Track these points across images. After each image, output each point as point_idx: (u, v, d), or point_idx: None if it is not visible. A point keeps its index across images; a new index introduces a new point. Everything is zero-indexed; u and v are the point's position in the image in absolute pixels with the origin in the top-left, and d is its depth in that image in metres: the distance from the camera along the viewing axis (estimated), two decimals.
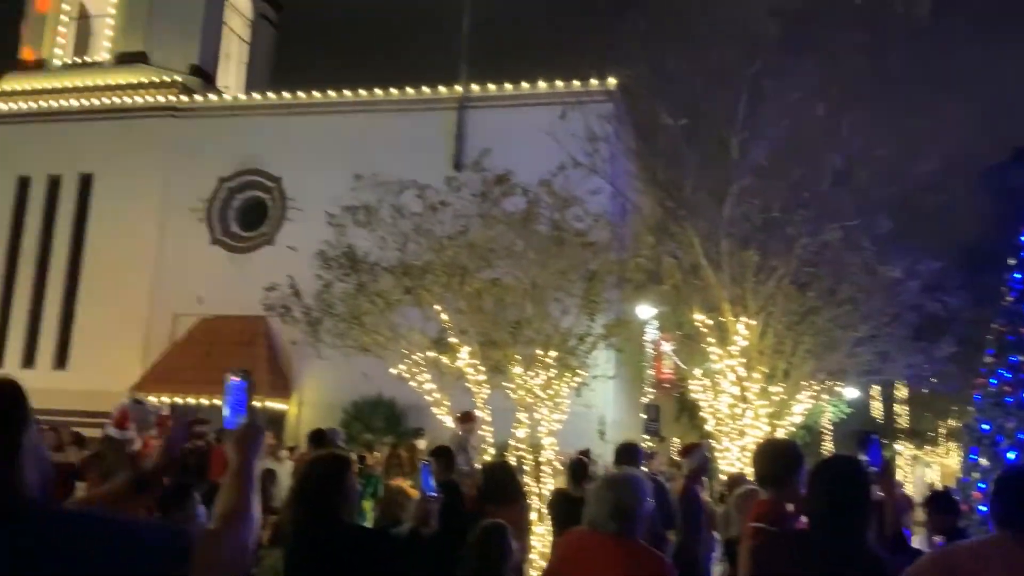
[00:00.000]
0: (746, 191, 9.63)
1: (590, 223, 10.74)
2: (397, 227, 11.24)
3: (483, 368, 10.94)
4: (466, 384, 11.09)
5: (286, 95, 22.06)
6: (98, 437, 9.99)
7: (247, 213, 22.07)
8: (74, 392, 19.40)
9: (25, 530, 1.64)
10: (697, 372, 10.83)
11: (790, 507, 3.85)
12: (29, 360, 22.31)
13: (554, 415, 10.95)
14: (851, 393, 19.50)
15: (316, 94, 21.75)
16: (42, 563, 1.63)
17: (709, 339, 9.98)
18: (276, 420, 19.26)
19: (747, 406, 9.98)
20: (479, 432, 10.86)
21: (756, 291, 9.74)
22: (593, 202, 11.25)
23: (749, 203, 9.66)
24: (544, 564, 7.53)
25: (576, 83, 18.51)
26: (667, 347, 14.29)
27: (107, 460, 6.71)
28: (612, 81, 16.97)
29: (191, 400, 19.34)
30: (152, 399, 17.65)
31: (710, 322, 9.95)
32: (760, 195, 9.67)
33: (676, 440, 20.13)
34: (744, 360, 9.84)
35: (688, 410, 19.91)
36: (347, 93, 21.55)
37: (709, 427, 10.49)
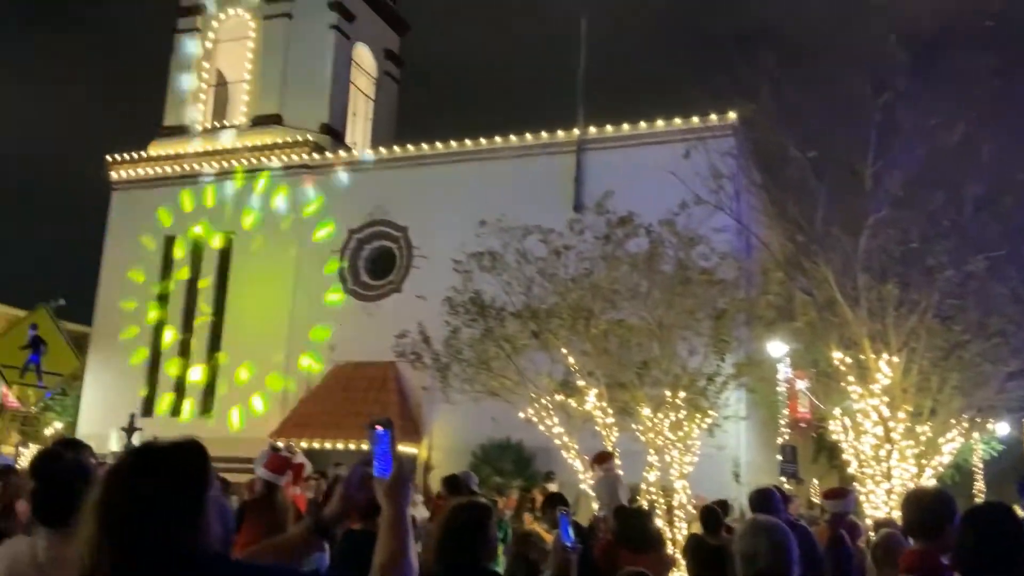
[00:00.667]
0: (882, 222, 9.28)
1: (716, 261, 10.59)
2: (522, 271, 11.40)
3: (611, 410, 10.86)
4: (595, 427, 11.04)
5: (409, 147, 22.77)
6: (242, 482, 10.42)
7: (376, 262, 22.76)
8: (218, 439, 20.33)
9: None
10: (836, 411, 10.43)
11: (944, 559, 3.63)
12: (177, 409, 23.52)
13: (685, 457, 10.75)
14: (1003, 430, 18.51)
15: (438, 144, 22.35)
16: None
17: (848, 377, 9.60)
18: (408, 464, 19.58)
19: (892, 446, 9.52)
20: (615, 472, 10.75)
21: (897, 326, 9.33)
22: (718, 239, 11.09)
23: (885, 235, 9.29)
24: None
25: (695, 119, 18.34)
26: (802, 385, 13.82)
27: (273, 506, 6.92)
28: (733, 115, 16.76)
29: (327, 445, 19.92)
30: (286, 443, 18.24)
31: (848, 359, 9.58)
32: (897, 226, 9.31)
33: (815, 482, 19.32)
34: (887, 399, 9.41)
35: (827, 450, 19.11)
36: (467, 142, 22.05)
37: (852, 469, 10.05)
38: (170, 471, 1.76)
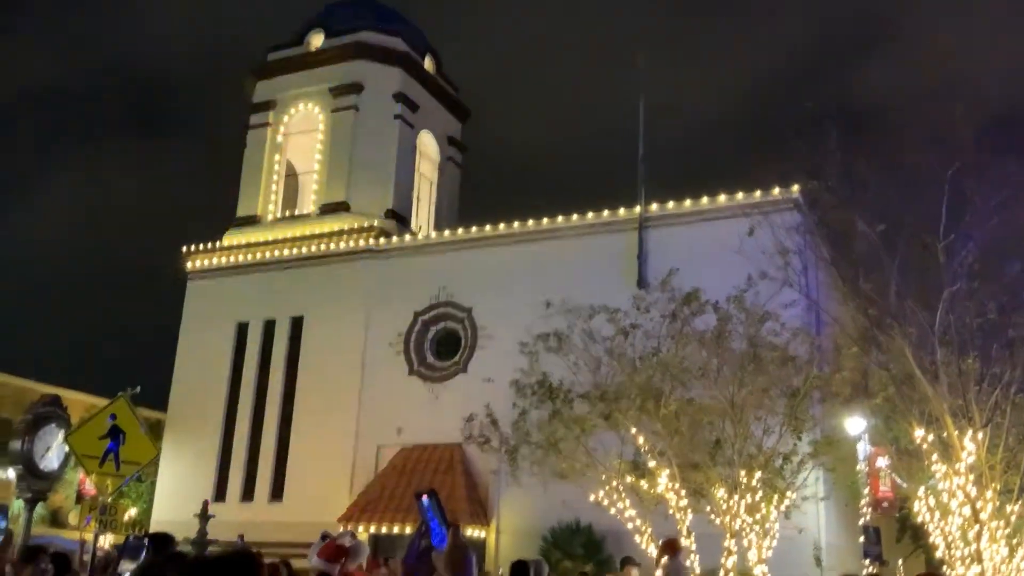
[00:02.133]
0: (958, 295, 9.06)
1: (787, 337, 10.41)
2: (589, 351, 11.36)
3: (684, 492, 10.62)
4: (667, 510, 10.79)
5: (473, 229, 23.12)
6: (306, 567, 10.38)
7: (441, 344, 22.92)
8: (288, 524, 20.38)
9: None
10: (920, 491, 10.03)
11: None
12: (249, 494, 23.70)
13: (764, 541, 10.41)
14: None
15: (501, 225, 22.65)
16: None
17: (931, 455, 9.26)
18: (475, 548, 19.30)
19: (981, 527, 9.09)
20: (683, 563, 10.44)
21: (980, 401, 9.01)
22: (788, 315, 10.94)
23: (963, 307, 9.06)
24: None
25: (758, 194, 18.29)
26: (883, 463, 13.33)
27: None
28: (796, 189, 16.68)
29: (395, 529, 19.80)
30: (347, 528, 18.17)
31: (931, 436, 9.25)
32: (974, 298, 9.07)
33: (900, 564, 18.44)
34: (973, 476, 9.03)
35: (911, 531, 18.30)
36: (530, 222, 22.30)
37: (940, 552, 9.60)
38: None
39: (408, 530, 19.76)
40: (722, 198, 19.93)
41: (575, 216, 21.78)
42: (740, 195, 19.36)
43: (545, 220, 22.09)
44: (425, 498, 2.16)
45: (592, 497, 11.35)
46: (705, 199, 20.34)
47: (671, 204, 20.82)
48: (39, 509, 22.09)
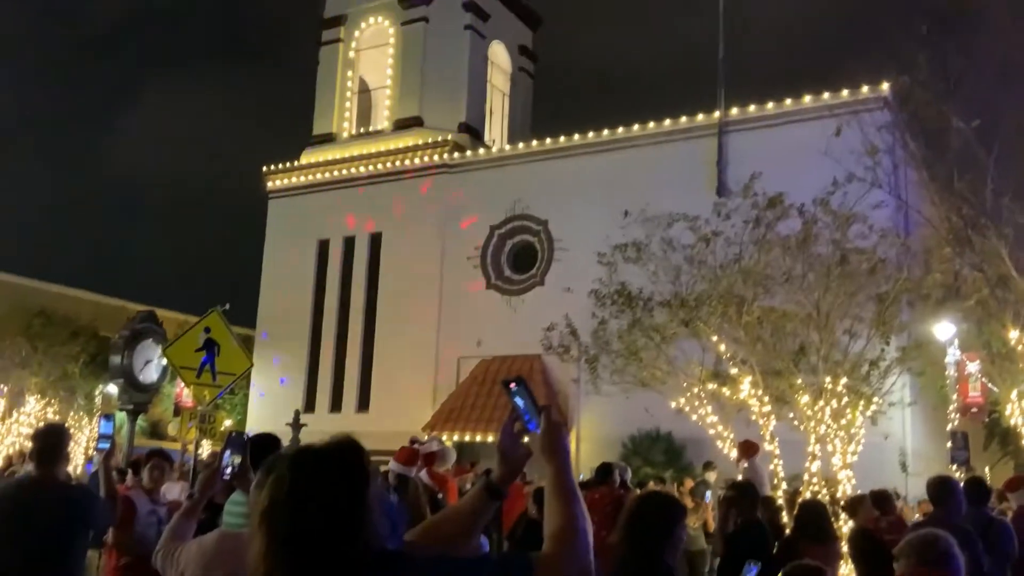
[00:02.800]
0: None
1: (876, 240, 10.08)
2: (668, 260, 11.22)
3: (766, 399, 10.55)
4: (750, 416, 10.75)
5: (547, 141, 22.86)
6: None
7: (518, 257, 23.00)
8: (375, 433, 21.08)
9: None
10: (1012, 395, 9.76)
11: None
12: (336, 405, 24.56)
13: (848, 447, 10.31)
14: None
15: (575, 136, 22.34)
16: None
17: None
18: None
19: None
20: (759, 464, 10.53)
21: None
22: (876, 217, 10.57)
23: None
24: None
25: (845, 94, 17.57)
26: (973, 368, 13.00)
27: (405, 498, 7.15)
28: (886, 87, 15.94)
29: (478, 438, 20.31)
30: (435, 435, 18.66)
31: None
32: None
33: (987, 470, 18.15)
34: None
35: (999, 437, 17.94)
36: (605, 132, 21.94)
37: None
38: (329, 473, 1.75)
39: (490, 439, 20.27)
40: (807, 99, 19.20)
41: (652, 124, 21.31)
42: (826, 95, 18.61)
43: (621, 129, 21.69)
44: (513, 386, 2.21)
45: (673, 404, 11.35)
46: (788, 101, 19.64)
47: (752, 107, 20.18)
48: (140, 421, 23.28)
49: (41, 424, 11.73)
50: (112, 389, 20.04)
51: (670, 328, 10.89)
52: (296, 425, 17.04)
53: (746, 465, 10.51)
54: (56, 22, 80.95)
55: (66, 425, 11.39)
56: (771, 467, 10.22)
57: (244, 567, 3.11)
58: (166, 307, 27.88)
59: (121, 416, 18.64)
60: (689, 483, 12.84)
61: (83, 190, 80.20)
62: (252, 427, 24.42)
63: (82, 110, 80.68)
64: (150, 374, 13.19)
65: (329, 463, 1.77)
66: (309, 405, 24.11)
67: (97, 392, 22.81)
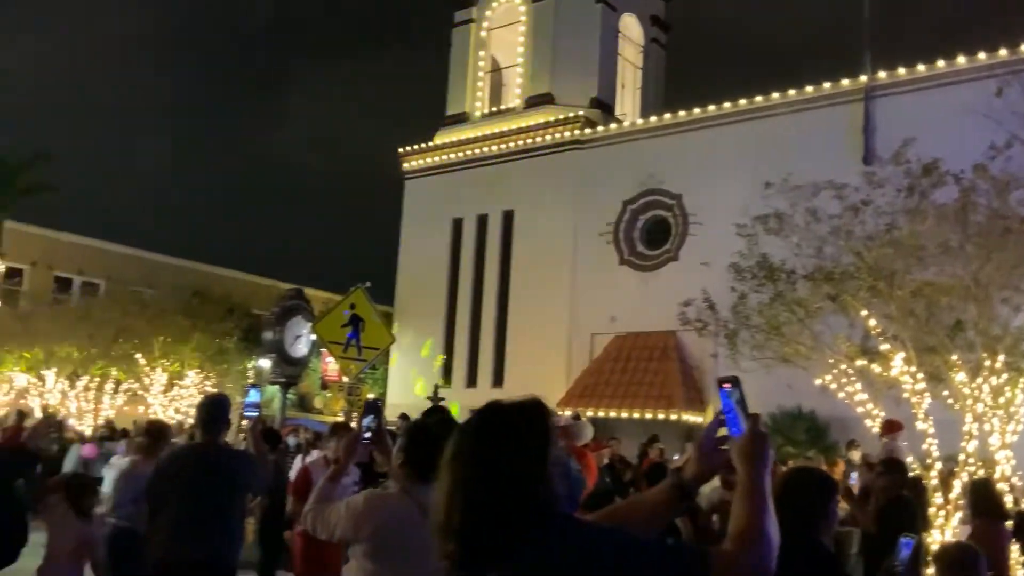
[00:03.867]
0: None
1: None
2: (812, 232, 10.79)
3: (920, 376, 10.05)
4: (901, 394, 10.27)
5: (681, 113, 22.42)
6: None
7: (651, 232, 22.73)
8: None
9: (551, 541, 1.72)
10: None
11: None
12: (472, 380, 25.05)
13: (1007, 426, 9.71)
14: None
15: (711, 107, 21.81)
16: (563, 573, 1.69)
17: None
18: (693, 434, 19.42)
19: None
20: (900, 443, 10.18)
21: None
22: None
23: None
24: None
25: (1003, 52, 16.43)
26: None
27: None
28: None
29: (612, 414, 20.29)
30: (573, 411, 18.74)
31: None
32: None
33: None
34: None
35: None
36: (742, 101, 21.31)
37: None
38: (514, 428, 1.80)
39: (624, 415, 20.22)
40: (961, 59, 18.06)
41: (792, 91, 20.55)
42: (982, 55, 17.46)
43: (760, 98, 21.02)
44: (728, 386, 2.24)
45: (817, 381, 10.96)
46: (941, 62, 18.52)
47: (901, 70, 19.14)
48: (289, 394, 24.47)
49: (202, 396, 12.52)
50: (264, 363, 21.15)
51: (814, 302, 10.48)
52: (435, 399, 17.48)
53: (888, 443, 10.24)
54: (217, 16, 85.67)
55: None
56: (924, 447, 9.76)
57: (390, 523, 3.25)
58: (311, 286, 29.15)
59: (272, 389, 19.68)
60: (841, 464, 12.42)
61: (237, 176, 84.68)
62: (392, 401, 25.23)
63: (239, 99, 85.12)
64: (300, 348, 13.80)
65: (515, 418, 1.82)
66: (446, 380, 24.68)
67: (250, 366, 24.09)
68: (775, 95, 20.76)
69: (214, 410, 5.19)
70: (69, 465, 14.34)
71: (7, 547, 4.92)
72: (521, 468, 1.76)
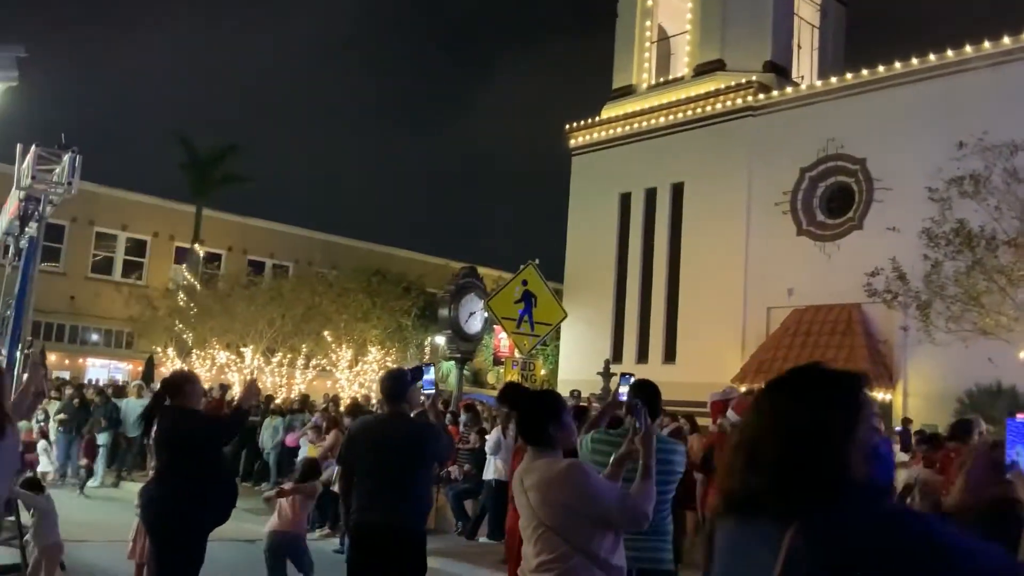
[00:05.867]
0: None
1: None
2: (1014, 194, 9.96)
3: None
4: None
5: (863, 72, 21.15)
6: (707, 425, 10.66)
7: (832, 200, 21.66)
8: (681, 384, 21.04)
9: (844, 511, 1.55)
10: None
11: None
12: (643, 356, 24.83)
13: None
14: None
15: (896, 64, 20.45)
16: (853, 559, 1.49)
17: None
18: (882, 411, 18.45)
19: None
20: None
21: None
22: None
23: None
24: None
25: None
26: None
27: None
28: None
29: None
30: (748, 387, 18.23)
31: None
32: None
33: None
34: None
35: None
36: (931, 57, 19.85)
37: None
38: (825, 392, 1.67)
39: None
40: None
41: (987, 43, 18.93)
42: None
43: (950, 52, 19.50)
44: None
45: (1022, 355, 10.14)
46: None
47: None
48: (464, 369, 25.22)
49: (383, 370, 13.10)
50: (440, 339, 21.88)
51: (1018, 269, 9.68)
52: (607, 374, 17.47)
53: None
54: (419, 11, 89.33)
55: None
56: None
57: (580, 500, 3.25)
58: (483, 264, 29.83)
59: (448, 365, 20.30)
60: None
61: (428, 161, 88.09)
62: (563, 376, 25.44)
63: (434, 88, 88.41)
64: (474, 325, 14.16)
65: (829, 383, 1.71)
66: (616, 356, 24.58)
67: (427, 343, 24.97)
68: (968, 49, 19.19)
69: (396, 384, 5.39)
70: (266, 437, 15.42)
71: (221, 508, 5.34)
72: (823, 434, 1.62)
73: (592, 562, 3.32)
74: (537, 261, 11.62)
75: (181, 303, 24.56)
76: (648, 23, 26.65)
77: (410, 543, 5.08)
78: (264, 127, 74.81)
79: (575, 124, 27.26)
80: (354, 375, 22.40)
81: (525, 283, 10.81)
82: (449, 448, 5.70)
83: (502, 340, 25.58)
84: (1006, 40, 18.67)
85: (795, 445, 1.63)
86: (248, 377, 22.19)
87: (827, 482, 1.59)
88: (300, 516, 7.16)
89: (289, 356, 23.35)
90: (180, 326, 23.85)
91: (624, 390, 3.80)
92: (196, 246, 30.83)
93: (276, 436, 15.18)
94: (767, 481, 1.63)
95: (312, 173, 79.66)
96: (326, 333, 22.30)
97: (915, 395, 18.89)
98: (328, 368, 23.23)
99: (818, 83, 22.57)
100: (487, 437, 12.56)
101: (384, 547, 5.01)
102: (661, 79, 26.23)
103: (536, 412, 3.60)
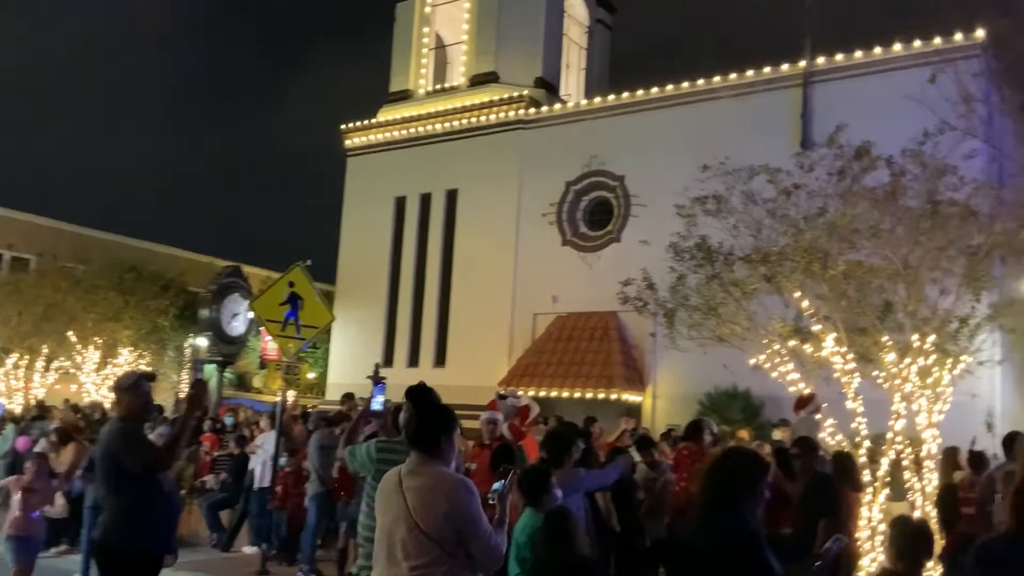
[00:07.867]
0: None
1: (969, 191, 9.67)
2: (749, 214, 10.96)
3: (849, 356, 10.31)
4: (832, 374, 10.54)
5: (624, 95, 22.52)
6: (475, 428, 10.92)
7: (593, 213, 22.85)
8: (451, 387, 21.35)
9: None
10: None
11: None
12: (414, 360, 24.96)
13: (935, 405, 10.04)
14: None
15: (654, 89, 21.95)
16: None
17: None
18: (632, 413, 19.68)
19: None
20: (817, 416, 10.49)
21: None
22: (969, 168, 10.15)
23: None
24: None
25: (937, 41, 16.82)
26: None
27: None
28: (981, 34, 15.22)
29: (553, 394, 20.43)
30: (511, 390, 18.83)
31: None
32: None
33: None
34: None
35: None
36: (684, 84, 21.49)
37: None
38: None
39: (565, 394, 20.37)
40: (897, 47, 18.43)
41: (734, 75, 20.77)
42: (918, 43, 17.84)
43: (701, 81, 21.21)
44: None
45: (752, 361, 11.17)
46: (878, 49, 18.89)
47: (839, 56, 19.48)
48: (227, 372, 24.16)
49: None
50: (201, 341, 20.83)
51: (750, 283, 10.66)
52: (377, 379, 17.38)
53: (802, 418, 10.58)
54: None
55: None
56: (853, 425, 10.03)
57: (460, 516, 3.45)
58: (251, 264, 28.70)
59: (210, 368, 19.36)
60: (767, 447, 12.72)
61: (221, 160, 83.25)
62: (333, 380, 25.05)
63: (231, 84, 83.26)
64: (238, 327, 13.64)
65: None
66: (387, 359, 24.57)
67: (186, 344, 23.66)
68: (716, 79, 20.97)
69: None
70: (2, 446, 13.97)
71: None
72: None
73: (463, 566, 3.50)
74: (309, 262, 11.35)
75: None
76: (426, 30, 26.89)
77: (115, 562, 4.85)
78: (27, 112, 67.98)
79: (351, 125, 26.96)
80: (102, 379, 20.77)
81: (292, 284, 10.53)
82: (147, 454, 5.10)
83: (269, 343, 24.77)
84: (749, 73, 20.57)
85: None
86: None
87: None
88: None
89: (27, 358, 21.32)
90: None
91: (381, 399, 4.02)
92: None
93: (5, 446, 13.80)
94: None
95: (76, 166, 73.41)
96: (70, 333, 20.55)
97: (663, 397, 20.34)
98: (72, 371, 21.42)
99: (584, 102, 23.75)
100: (256, 442, 12.10)
101: (103, 567, 4.97)
102: (438, 86, 26.55)
103: (434, 421, 3.85)
